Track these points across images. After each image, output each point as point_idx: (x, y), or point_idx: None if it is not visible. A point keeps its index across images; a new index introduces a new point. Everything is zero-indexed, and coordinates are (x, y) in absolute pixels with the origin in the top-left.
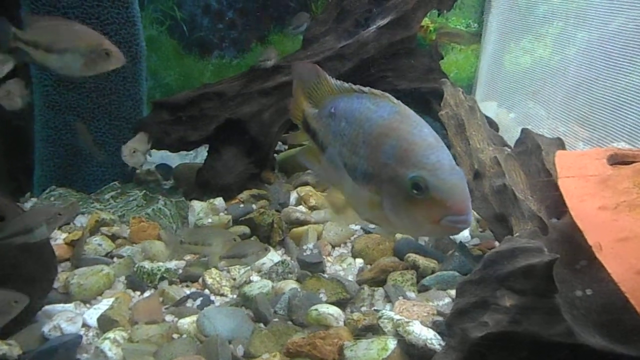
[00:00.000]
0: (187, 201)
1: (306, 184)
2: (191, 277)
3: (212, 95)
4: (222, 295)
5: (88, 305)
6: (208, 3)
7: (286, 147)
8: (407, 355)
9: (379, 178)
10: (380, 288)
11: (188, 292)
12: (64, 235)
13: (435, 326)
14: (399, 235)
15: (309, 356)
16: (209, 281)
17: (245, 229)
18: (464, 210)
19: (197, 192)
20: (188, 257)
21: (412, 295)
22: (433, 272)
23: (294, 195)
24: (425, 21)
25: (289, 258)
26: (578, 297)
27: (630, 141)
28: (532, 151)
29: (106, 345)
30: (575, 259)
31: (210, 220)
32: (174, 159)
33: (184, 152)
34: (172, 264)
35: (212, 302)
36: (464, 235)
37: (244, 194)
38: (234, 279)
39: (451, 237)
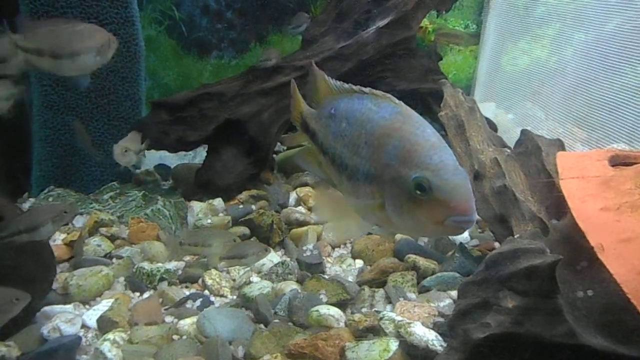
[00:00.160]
0: (186, 202)
1: (305, 184)
2: (191, 278)
3: (211, 96)
4: (222, 296)
5: (87, 306)
6: (207, 3)
7: (285, 147)
8: (408, 356)
9: (381, 179)
10: (381, 289)
11: (188, 293)
12: (63, 235)
13: (436, 327)
14: (398, 236)
15: (311, 357)
16: (209, 282)
17: (244, 230)
18: (468, 211)
19: (196, 192)
20: (187, 258)
21: (413, 296)
22: (433, 273)
23: (293, 196)
24: (424, 22)
25: (288, 259)
26: (579, 298)
27: (628, 142)
28: (532, 152)
29: (106, 347)
30: (576, 260)
31: (209, 220)
32: (173, 160)
33: (183, 153)
34: (172, 265)
35: (212, 303)
36: (464, 236)
37: (243, 195)
38: (234, 280)
39: (451, 238)
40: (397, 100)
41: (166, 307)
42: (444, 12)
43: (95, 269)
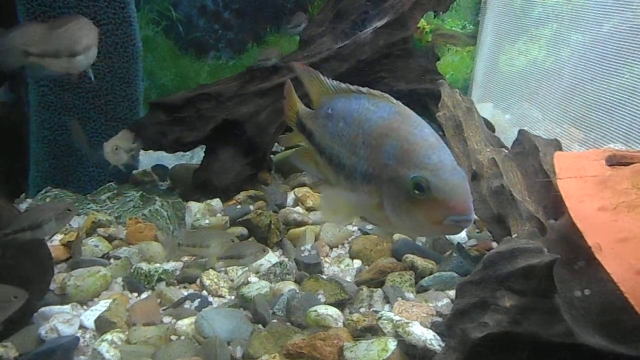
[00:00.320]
0: (183, 202)
1: (303, 184)
2: (189, 279)
3: (209, 96)
4: (220, 296)
5: (85, 306)
6: (204, 4)
7: (282, 148)
8: (407, 356)
9: (379, 179)
10: (379, 289)
11: (186, 293)
12: (61, 236)
13: (434, 327)
14: (396, 236)
15: (309, 357)
16: (207, 282)
17: (242, 230)
18: (466, 210)
19: (194, 193)
20: (185, 259)
21: (411, 296)
22: (431, 273)
23: (291, 196)
24: (422, 23)
25: (286, 259)
26: (577, 298)
27: (625, 142)
28: (530, 152)
29: (104, 347)
30: (573, 260)
31: (207, 221)
32: (170, 160)
33: (181, 153)
34: (170, 265)
35: (210, 303)
36: (461, 236)
37: (241, 195)
38: (232, 280)
39: (449, 237)
40: (394, 100)
41: (164, 307)
42: (441, 13)
43: (92, 269)
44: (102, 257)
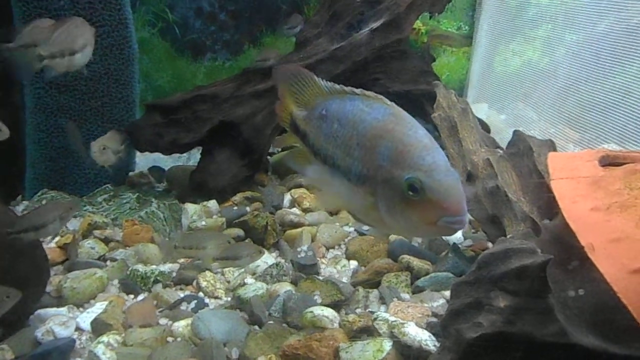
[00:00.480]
0: (180, 204)
1: (300, 186)
2: (185, 280)
3: (205, 98)
4: (216, 297)
5: (81, 309)
6: (200, 5)
7: (279, 149)
8: (402, 356)
9: (374, 180)
10: (375, 290)
11: (182, 295)
12: (57, 238)
13: (429, 327)
14: (392, 237)
15: (305, 358)
16: (203, 284)
17: (239, 232)
18: (460, 211)
19: (190, 194)
20: (182, 260)
21: (407, 296)
22: (427, 273)
23: (287, 198)
24: (417, 24)
25: (283, 260)
26: (570, 297)
27: (620, 142)
28: (524, 153)
29: (100, 349)
30: (567, 260)
31: (203, 222)
32: (167, 162)
33: (177, 155)
34: (166, 267)
35: (207, 305)
36: (457, 236)
37: (238, 197)
38: (228, 282)
39: (444, 238)
40: (388, 102)
41: (160, 309)
42: (436, 14)
43: (89, 271)
44: (99, 259)
